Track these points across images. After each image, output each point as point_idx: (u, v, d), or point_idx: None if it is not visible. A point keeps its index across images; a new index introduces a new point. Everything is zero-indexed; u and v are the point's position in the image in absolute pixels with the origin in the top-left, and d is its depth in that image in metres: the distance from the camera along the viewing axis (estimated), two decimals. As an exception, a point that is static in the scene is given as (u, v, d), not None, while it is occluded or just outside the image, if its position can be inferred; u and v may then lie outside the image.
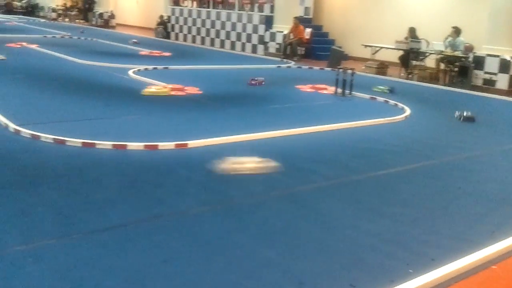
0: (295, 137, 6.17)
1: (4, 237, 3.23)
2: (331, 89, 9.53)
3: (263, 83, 9.82)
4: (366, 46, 13.56)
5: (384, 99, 8.84)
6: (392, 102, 8.61)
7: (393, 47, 12.84)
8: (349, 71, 9.12)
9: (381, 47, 13.33)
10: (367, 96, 9.10)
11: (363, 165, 5.24)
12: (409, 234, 3.63)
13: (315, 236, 3.52)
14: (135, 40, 17.46)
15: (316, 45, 15.68)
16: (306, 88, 9.82)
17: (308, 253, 3.26)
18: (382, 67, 12.91)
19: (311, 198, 4.25)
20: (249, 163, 4.82)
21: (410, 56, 12.48)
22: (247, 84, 9.74)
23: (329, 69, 12.78)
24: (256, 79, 9.83)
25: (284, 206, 4.05)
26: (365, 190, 4.54)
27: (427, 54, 12.27)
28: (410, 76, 12.38)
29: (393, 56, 13.19)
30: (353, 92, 9.17)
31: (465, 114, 7.69)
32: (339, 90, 9.17)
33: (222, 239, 3.39)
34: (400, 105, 8.34)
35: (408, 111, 7.86)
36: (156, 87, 8.39)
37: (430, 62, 12.54)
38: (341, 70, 9.22)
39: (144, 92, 8.15)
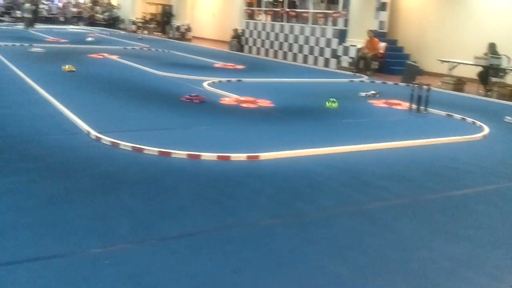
0: (367, 153, 6.09)
1: (84, 240, 3.39)
2: (405, 105, 9.34)
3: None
4: (442, 61, 13.20)
5: (461, 116, 8.55)
6: (469, 120, 8.31)
7: (472, 63, 12.41)
8: (425, 87, 8.90)
9: (459, 63, 12.92)
10: (443, 112, 8.84)
11: (437, 184, 5.09)
12: (486, 258, 3.48)
13: (387, 255, 3.45)
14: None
15: (390, 60, 15.43)
16: (379, 103, 9.67)
17: (380, 272, 3.20)
18: (459, 84, 12.49)
19: (383, 216, 4.17)
20: None
21: (490, 72, 12.00)
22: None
23: (403, 84, 12.53)
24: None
25: (355, 222, 4.00)
26: (440, 210, 4.40)
27: (508, 70, 11.76)
28: (489, 93, 11.91)
29: (471, 72, 12.74)
30: (428, 109, 8.94)
31: (369, 93, 10.10)
32: (414, 106, 8.97)
33: (292, 253, 3.39)
34: (478, 123, 8.04)
35: (486, 130, 7.56)
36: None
37: (510, 79, 12.01)
38: (416, 85, 9.01)
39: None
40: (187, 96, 8.66)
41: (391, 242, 3.66)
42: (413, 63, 13.87)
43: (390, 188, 4.85)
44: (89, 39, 20.75)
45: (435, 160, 5.97)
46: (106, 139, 5.73)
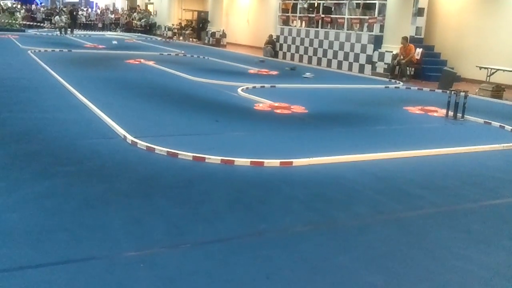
0: (402, 160, 6.01)
1: (119, 243, 3.45)
2: (441, 112, 9.19)
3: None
4: (481, 67, 12.94)
5: (500, 124, 8.36)
6: (508, 127, 8.12)
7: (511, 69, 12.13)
8: (462, 94, 8.74)
9: (498, 69, 12.64)
10: (481, 120, 8.66)
11: (475, 193, 4.98)
12: (526, 270, 3.39)
13: (422, 264, 3.39)
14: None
15: (426, 66, 15.21)
16: (415, 109, 9.54)
17: (415, 282, 3.15)
18: (497, 90, 12.19)
19: (418, 225, 4.11)
20: None
21: (531, 79, 11.71)
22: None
23: (440, 90, 12.34)
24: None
25: (390, 231, 3.95)
26: (477, 220, 4.31)
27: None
28: (529, 100, 11.61)
29: (511, 78, 12.45)
30: (466, 116, 8.77)
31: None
32: (451, 113, 8.82)
33: (325, 260, 3.37)
34: (518, 131, 7.85)
35: (526, 138, 7.37)
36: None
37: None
38: (453, 92, 8.86)
39: None
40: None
41: (427, 252, 3.60)
42: (450, 69, 13.65)
43: (426, 196, 4.77)
44: (114, 42, 20.75)
45: (473, 169, 5.85)
46: (142, 144, 5.82)
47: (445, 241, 3.81)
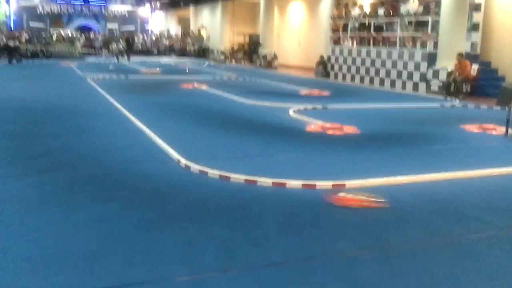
0: (459, 181, 5.82)
1: (171, 267, 3.48)
2: (501, 130, 8.87)
3: None
4: (542, 83, 12.45)
5: None
6: None
7: None
8: (522, 111, 8.42)
9: (561, 84, 12.12)
10: (543, 138, 8.30)
11: (538, 215, 4.75)
12: None
13: (481, 291, 3.26)
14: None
15: (483, 82, 14.78)
16: (473, 128, 9.25)
17: (474, 309, 3.03)
18: (561, 106, 11.68)
19: (478, 249, 3.95)
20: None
21: None
22: None
23: (498, 107, 11.93)
24: None
25: (447, 255, 3.82)
26: (541, 244, 4.10)
27: None
28: None
29: None
30: (526, 134, 8.44)
31: None
32: (511, 131, 8.50)
33: (379, 285, 3.29)
34: None
35: None
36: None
37: None
38: (512, 109, 8.55)
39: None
40: None
41: (487, 278, 3.45)
42: (509, 85, 13.19)
43: (485, 218, 4.59)
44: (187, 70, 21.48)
45: (536, 189, 5.59)
46: (195, 167, 5.90)
47: (507, 266, 3.65)
